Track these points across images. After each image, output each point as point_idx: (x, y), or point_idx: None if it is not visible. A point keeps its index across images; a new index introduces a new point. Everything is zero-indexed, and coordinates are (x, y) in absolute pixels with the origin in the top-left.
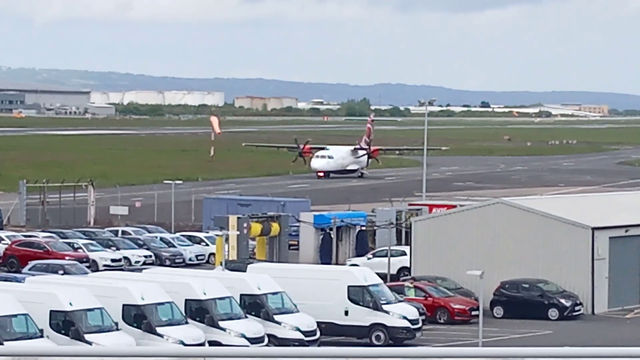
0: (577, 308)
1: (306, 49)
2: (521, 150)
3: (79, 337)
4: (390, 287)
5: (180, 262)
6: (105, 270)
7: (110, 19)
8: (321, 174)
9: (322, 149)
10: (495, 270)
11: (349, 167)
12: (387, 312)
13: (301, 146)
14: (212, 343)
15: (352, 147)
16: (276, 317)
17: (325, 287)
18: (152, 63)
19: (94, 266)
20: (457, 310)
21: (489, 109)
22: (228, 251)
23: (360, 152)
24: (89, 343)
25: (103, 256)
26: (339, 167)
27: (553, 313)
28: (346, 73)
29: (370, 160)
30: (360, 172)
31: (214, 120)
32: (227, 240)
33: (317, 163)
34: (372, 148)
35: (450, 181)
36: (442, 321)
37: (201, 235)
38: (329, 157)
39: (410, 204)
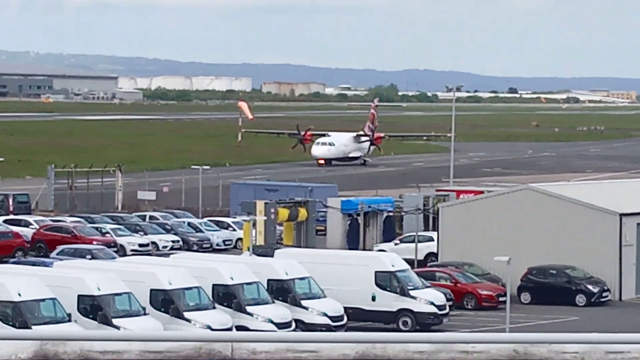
0: (604, 294)
1: (334, 34)
2: (549, 136)
3: (106, 322)
4: (418, 274)
5: (207, 247)
6: (133, 255)
7: (138, 4)
8: (322, 162)
9: (324, 135)
10: (522, 256)
11: (351, 155)
12: (414, 297)
13: (302, 133)
14: (240, 328)
15: (354, 134)
16: (303, 303)
17: (353, 273)
18: (179, 48)
19: (121, 251)
20: (485, 296)
21: (517, 95)
22: (255, 236)
23: (363, 139)
24: (117, 327)
25: (131, 241)
26: (340, 155)
27: (580, 299)
28: (374, 59)
29: (372, 147)
30: (363, 160)
31: (244, 105)
32: (254, 225)
33: (318, 150)
34: (375, 135)
35: (478, 167)
36: (469, 307)
37: (229, 220)
38: (330, 144)
39: (437, 190)
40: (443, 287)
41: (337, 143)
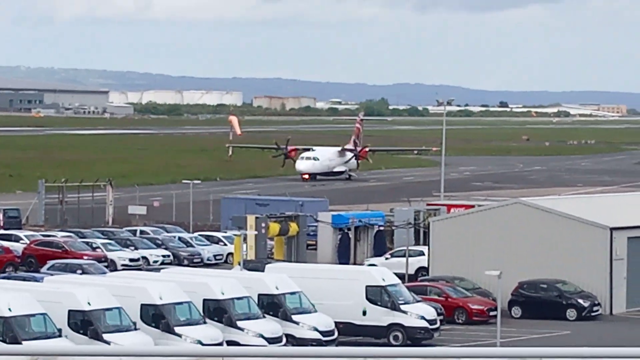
0: (595, 308)
1: (324, 48)
2: (539, 150)
3: (97, 337)
4: (408, 288)
5: (198, 262)
6: (124, 269)
7: (129, 18)
8: (306, 177)
9: (308, 149)
10: (513, 270)
11: (336, 169)
12: (405, 312)
13: (286, 148)
14: (230, 343)
15: (339, 148)
16: (294, 317)
17: (343, 287)
18: (170, 63)
19: (112, 266)
20: (475, 310)
21: (508, 109)
22: (246, 251)
23: (348, 154)
24: (108, 343)
25: (121, 256)
26: (325, 169)
27: (571, 313)
28: (364, 73)
29: (359, 161)
30: (348, 174)
31: (234, 120)
32: (245, 240)
33: (302, 165)
34: (360, 149)
35: (469, 181)
36: (460, 321)
37: (219, 235)
38: (314, 159)
39: (428, 204)
40: (434, 301)
41: (321, 158)
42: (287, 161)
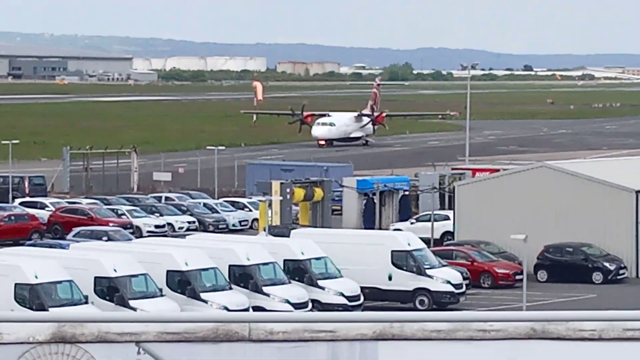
0: (621, 272)
1: (348, 13)
2: (564, 113)
3: (123, 303)
4: (434, 252)
5: (223, 228)
6: (149, 236)
7: None
8: (323, 142)
9: (324, 115)
10: (538, 234)
11: (352, 135)
12: (430, 276)
13: (302, 114)
14: (256, 308)
15: (355, 114)
16: (320, 282)
17: (369, 252)
18: (194, 29)
19: (137, 232)
20: (501, 274)
21: (532, 73)
22: (271, 216)
23: (365, 119)
24: (134, 309)
25: (147, 222)
26: (341, 135)
27: (597, 277)
28: (388, 37)
29: (376, 126)
30: (364, 140)
31: (258, 85)
32: (270, 205)
33: (319, 131)
34: (376, 114)
35: (494, 145)
36: (486, 285)
37: (244, 200)
38: (331, 125)
39: (453, 168)
40: (460, 265)
41: (337, 123)
42: (304, 127)
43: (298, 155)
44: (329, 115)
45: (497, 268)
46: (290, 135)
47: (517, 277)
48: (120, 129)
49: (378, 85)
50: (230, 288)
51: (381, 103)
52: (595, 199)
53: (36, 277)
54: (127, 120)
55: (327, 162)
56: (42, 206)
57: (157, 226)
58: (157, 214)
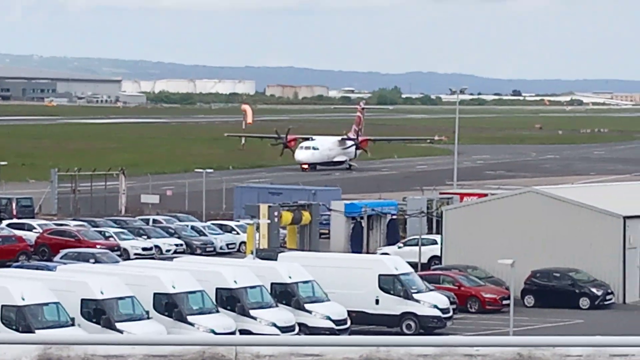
0: (608, 297)
1: (337, 37)
2: (553, 138)
3: (110, 326)
4: (421, 277)
5: (211, 251)
6: (137, 258)
7: (142, 7)
8: (305, 167)
9: (307, 139)
10: (526, 259)
11: (336, 159)
12: (417, 301)
13: (285, 137)
14: (243, 332)
15: (339, 138)
16: (307, 306)
17: (356, 276)
18: (183, 51)
19: (125, 255)
20: (488, 299)
21: (521, 98)
22: (259, 240)
23: (348, 143)
24: (120, 331)
25: (134, 245)
26: (325, 159)
27: (584, 302)
28: (377, 61)
29: (358, 151)
30: (348, 164)
31: (247, 109)
32: (258, 228)
33: (301, 155)
34: (360, 138)
35: (482, 170)
36: (473, 310)
37: (232, 223)
38: (314, 148)
39: (441, 193)
40: (447, 290)
41: (321, 147)
42: (287, 151)
43: (286, 178)
44: (312, 139)
45: (484, 293)
46: (278, 158)
47: (504, 301)
48: (109, 151)
49: (362, 109)
50: (217, 311)
51: (369, 127)
52: (583, 224)
53: (23, 299)
54: (116, 142)
55: (315, 186)
56: (30, 228)
57: (144, 249)
58: (145, 237)
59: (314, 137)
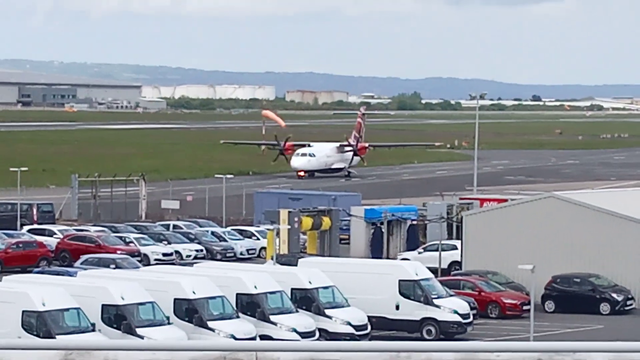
0: (629, 302)
1: (357, 42)
2: (573, 143)
3: (130, 331)
4: (442, 282)
5: (231, 256)
6: (157, 264)
7: (162, 13)
8: (302, 174)
9: (304, 145)
10: (546, 264)
11: (334, 166)
12: (438, 306)
13: (282, 143)
14: (264, 337)
15: (337, 144)
16: (327, 312)
17: (376, 281)
18: (203, 57)
19: (145, 260)
20: (509, 304)
21: (541, 103)
22: (279, 245)
23: (347, 149)
24: (141, 337)
25: (154, 250)
26: (322, 166)
27: (605, 307)
28: (397, 67)
29: (356, 157)
30: (347, 171)
31: (270, 113)
32: (278, 234)
33: (298, 162)
34: (359, 145)
35: (502, 175)
36: (493, 316)
37: (252, 229)
38: (310, 155)
39: (461, 198)
40: (467, 295)
41: (318, 154)
42: (283, 158)
43: (305, 184)
44: (309, 146)
45: (505, 298)
46: (272, 163)
47: (525, 307)
48: (129, 156)
49: (363, 114)
50: (238, 316)
51: (389, 132)
52: (603, 229)
53: (44, 304)
54: (136, 148)
55: (335, 192)
56: (50, 233)
57: (164, 254)
58: (165, 242)
59: (311, 143)
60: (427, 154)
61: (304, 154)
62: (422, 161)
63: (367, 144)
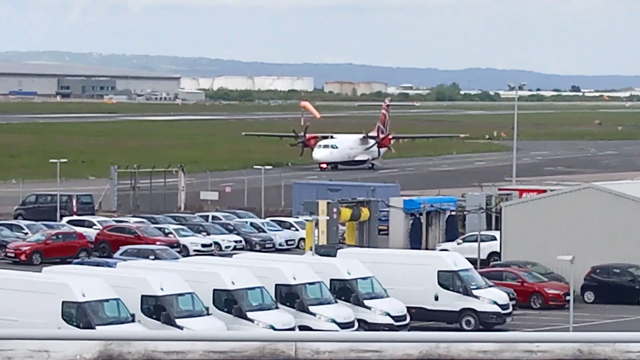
0: None
1: (395, 33)
2: (612, 134)
3: (170, 322)
4: (483, 274)
5: (270, 247)
6: (196, 255)
7: (201, 5)
8: (324, 166)
9: (327, 137)
10: (585, 255)
11: (357, 158)
12: (477, 297)
13: (305, 135)
14: (303, 328)
15: (361, 136)
16: (366, 302)
17: (415, 272)
18: (241, 48)
19: (184, 251)
20: (552, 295)
21: (580, 93)
22: (318, 236)
23: (371, 141)
24: (180, 328)
25: (194, 241)
26: (344, 158)
27: None
28: (435, 58)
29: (383, 149)
30: (370, 163)
31: (308, 105)
32: (317, 225)
33: (320, 154)
34: (382, 136)
35: (541, 166)
36: (536, 306)
37: (291, 220)
38: (333, 147)
39: (500, 189)
40: (509, 286)
41: (340, 146)
42: (307, 150)
43: (344, 175)
44: (332, 137)
45: (548, 289)
46: (298, 158)
47: (568, 297)
48: (168, 148)
49: (387, 106)
50: (277, 307)
51: (427, 124)
52: None
53: (83, 295)
54: (175, 139)
55: (374, 182)
56: (90, 225)
57: (204, 245)
58: (204, 233)
59: (334, 135)
60: (465, 145)
61: (326, 146)
62: (461, 152)
63: (391, 135)
